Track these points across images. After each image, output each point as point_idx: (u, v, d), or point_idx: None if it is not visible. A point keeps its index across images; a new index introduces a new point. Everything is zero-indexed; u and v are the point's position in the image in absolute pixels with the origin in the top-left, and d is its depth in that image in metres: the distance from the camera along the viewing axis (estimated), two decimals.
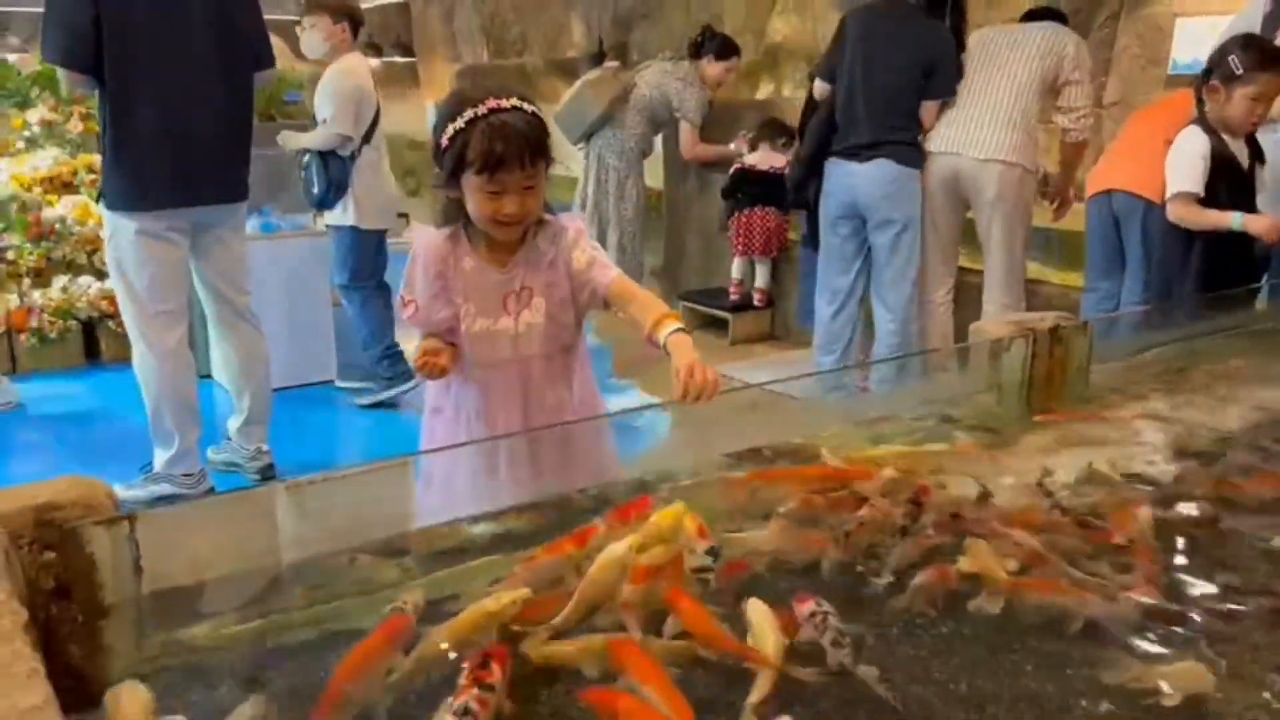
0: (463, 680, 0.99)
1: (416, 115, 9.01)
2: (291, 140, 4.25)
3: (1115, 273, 3.87)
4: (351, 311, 4.53)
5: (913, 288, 4.14)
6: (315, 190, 4.24)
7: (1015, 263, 3.99)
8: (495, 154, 1.65)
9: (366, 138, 4.31)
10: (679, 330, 1.63)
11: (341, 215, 4.36)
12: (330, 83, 4.20)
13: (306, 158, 4.24)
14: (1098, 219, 3.87)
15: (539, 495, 1.44)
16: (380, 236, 4.48)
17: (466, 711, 0.95)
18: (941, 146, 4.01)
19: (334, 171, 4.13)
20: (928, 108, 3.97)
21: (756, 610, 1.12)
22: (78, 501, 1.05)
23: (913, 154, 3.98)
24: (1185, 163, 3.11)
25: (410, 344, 1.97)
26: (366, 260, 4.44)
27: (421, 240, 1.84)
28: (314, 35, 4.22)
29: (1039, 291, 4.28)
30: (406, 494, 1.37)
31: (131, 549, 1.06)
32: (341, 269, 4.46)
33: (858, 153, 4.00)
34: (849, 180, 4.04)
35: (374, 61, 9.29)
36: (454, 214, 1.80)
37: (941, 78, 3.95)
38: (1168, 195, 3.15)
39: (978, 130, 3.90)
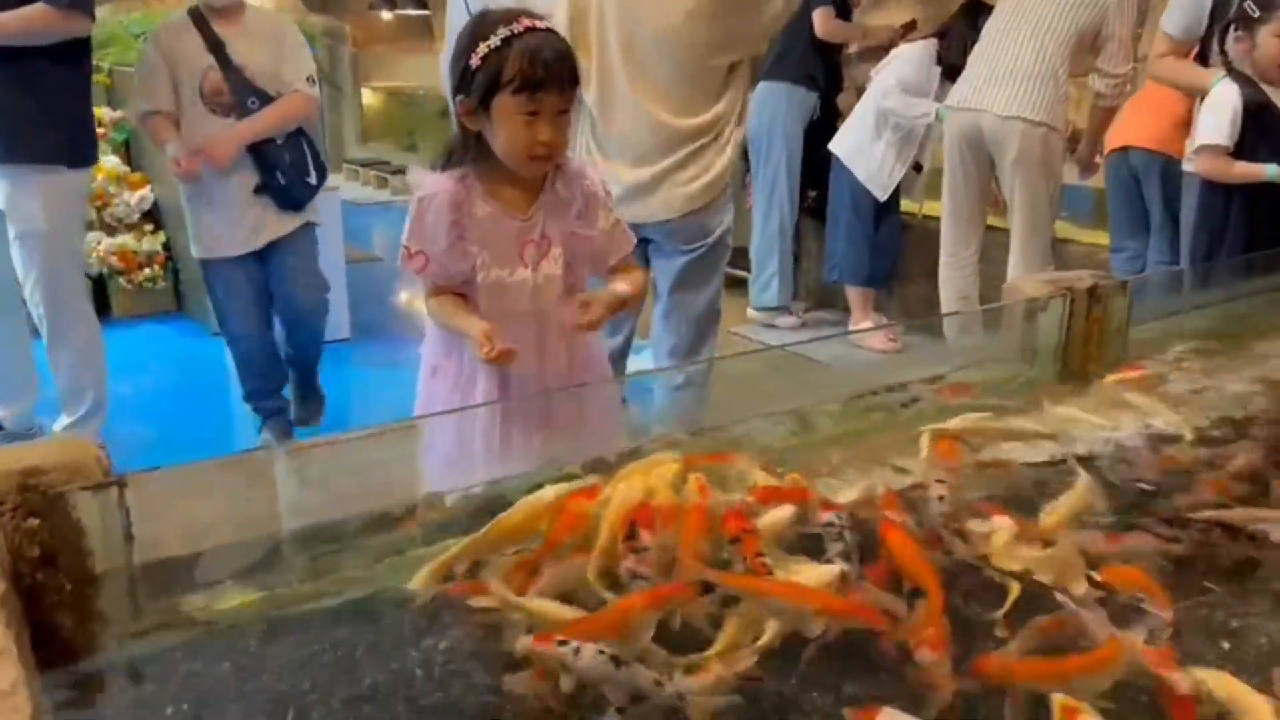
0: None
1: (431, 69, 8.91)
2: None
3: (1140, 231, 3.77)
4: None
5: (762, 212, 4.87)
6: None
7: (1040, 224, 3.85)
8: (536, 73, 1.58)
9: None
10: (625, 278, 1.77)
11: None
12: None
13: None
14: (1116, 176, 3.77)
15: (553, 460, 1.38)
16: None
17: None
18: (962, 102, 3.89)
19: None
20: (815, 15, 4.65)
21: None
22: (65, 465, 0.99)
23: (776, 67, 4.73)
24: (1214, 115, 3.00)
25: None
26: None
27: (430, 185, 1.71)
28: None
29: (1066, 251, 4.18)
30: (414, 459, 1.31)
31: (122, 515, 1.01)
32: None
33: None
34: None
35: (386, 15, 9.16)
36: (459, 154, 1.72)
37: None
38: (1194, 148, 3.05)
39: (1001, 86, 3.74)
